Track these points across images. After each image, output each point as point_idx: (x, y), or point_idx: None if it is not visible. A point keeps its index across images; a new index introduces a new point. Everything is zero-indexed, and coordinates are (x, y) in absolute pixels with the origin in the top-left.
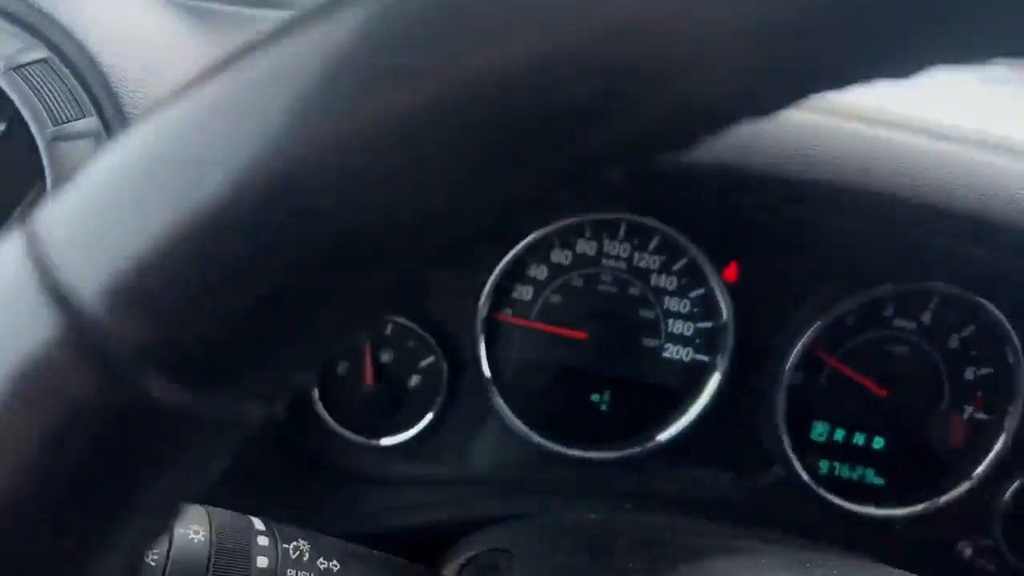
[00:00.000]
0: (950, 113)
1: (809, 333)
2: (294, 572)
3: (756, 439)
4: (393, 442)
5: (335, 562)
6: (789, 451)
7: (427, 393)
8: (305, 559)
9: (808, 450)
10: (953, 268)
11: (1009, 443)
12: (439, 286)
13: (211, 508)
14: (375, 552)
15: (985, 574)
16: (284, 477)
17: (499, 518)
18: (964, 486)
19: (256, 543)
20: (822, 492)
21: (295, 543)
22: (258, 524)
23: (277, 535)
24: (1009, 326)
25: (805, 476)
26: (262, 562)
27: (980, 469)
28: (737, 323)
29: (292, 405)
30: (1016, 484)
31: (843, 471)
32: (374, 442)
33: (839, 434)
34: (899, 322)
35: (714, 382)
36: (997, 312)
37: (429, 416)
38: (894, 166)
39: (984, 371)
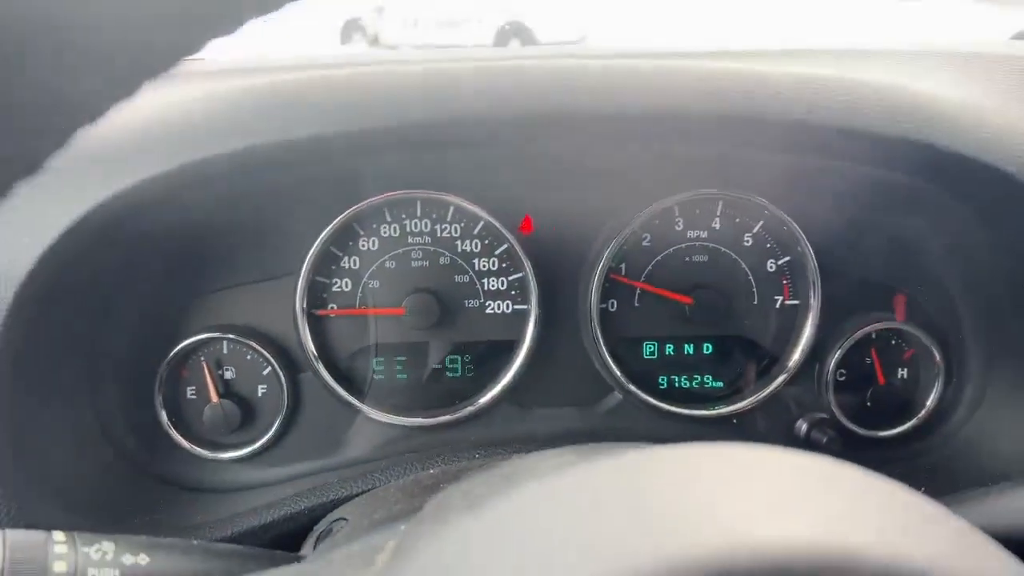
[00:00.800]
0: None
1: (604, 259)
2: (96, 571)
3: (590, 369)
4: (246, 452)
5: (143, 556)
6: (620, 375)
7: (275, 400)
8: (108, 558)
9: (645, 368)
10: (731, 174)
11: (818, 320)
12: (257, 297)
13: (6, 530)
14: (225, 545)
15: (821, 445)
16: (144, 501)
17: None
18: (790, 369)
19: (52, 551)
20: (658, 403)
21: (96, 545)
22: (57, 536)
23: (76, 540)
24: (790, 218)
25: (641, 394)
26: (59, 567)
27: (800, 349)
28: (540, 269)
29: (148, 434)
30: (835, 356)
31: (681, 382)
32: (230, 455)
33: (669, 348)
34: (692, 233)
35: (532, 326)
36: (778, 209)
37: (278, 420)
38: (662, 88)
39: (782, 260)
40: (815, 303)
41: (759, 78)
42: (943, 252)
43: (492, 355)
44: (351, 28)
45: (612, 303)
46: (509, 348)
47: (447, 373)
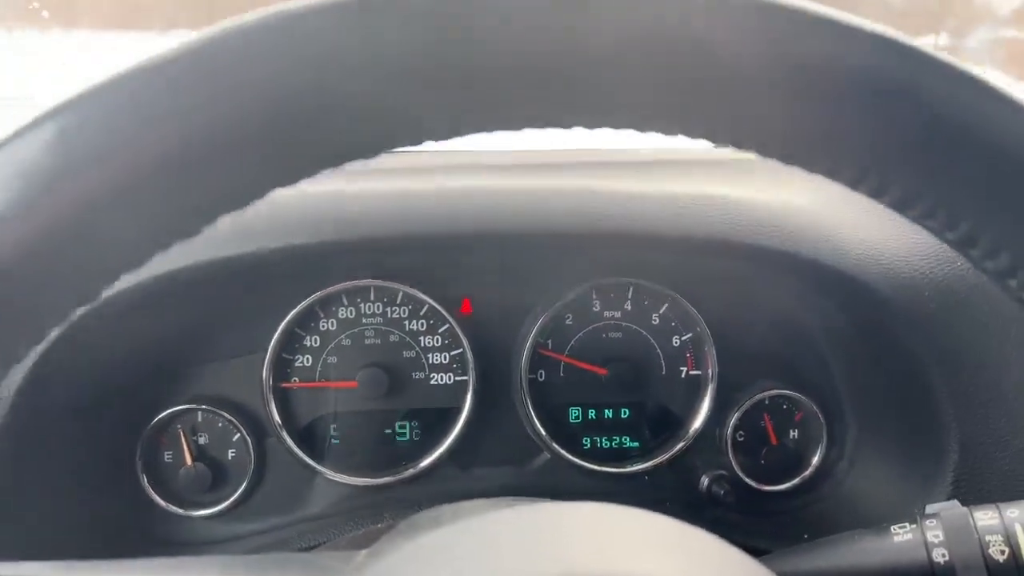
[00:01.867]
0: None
1: (532, 336)
2: None
3: (522, 433)
4: (216, 510)
5: None
6: (548, 438)
7: (243, 462)
8: None
9: (571, 431)
10: (641, 265)
11: (716, 389)
12: (229, 373)
13: None
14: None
15: (722, 500)
16: (121, 555)
17: (314, 547)
18: (693, 430)
19: None
20: (585, 463)
21: None
22: None
23: None
24: (688, 303)
25: (566, 454)
26: None
27: (702, 414)
28: (478, 345)
29: (128, 493)
30: (733, 419)
31: (602, 443)
32: (202, 512)
33: (592, 414)
34: (607, 313)
35: (470, 395)
36: (678, 295)
37: (245, 481)
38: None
39: (685, 337)
40: (713, 373)
41: (643, 198)
42: (820, 333)
43: (437, 421)
44: None
45: (541, 373)
46: (451, 415)
47: (397, 437)
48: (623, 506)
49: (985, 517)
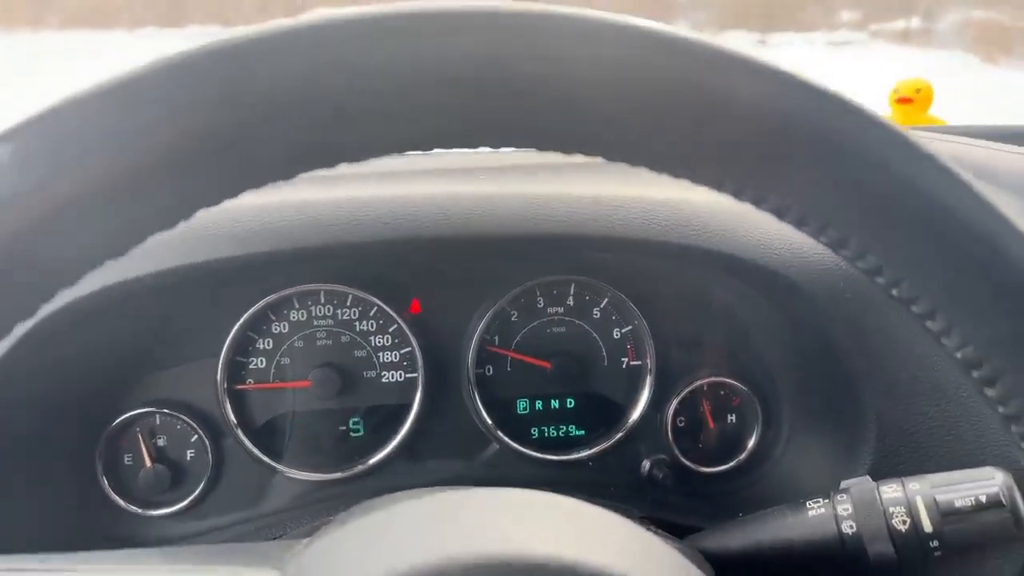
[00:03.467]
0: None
1: (479, 333)
2: None
3: (472, 426)
4: (176, 509)
5: None
6: (495, 429)
7: (201, 462)
8: None
9: (519, 423)
10: (582, 262)
11: (655, 379)
12: (185, 376)
13: None
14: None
15: (662, 482)
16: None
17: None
18: (634, 417)
19: None
20: (531, 452)
21: None
22: None
23: None
24: (626, 298)
25: (513, 444)
26: None
27: (642, 401)
28: (427, 343)
29: (88, 494)
30: (672, 406)
31: (549, 432)
32: (161, 511)
33: (539, 405)
34: (551, 309)
35: (420, 392)
36: (617, 291)
37: (203, 480)
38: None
39: (626, 329)
40: (652, 364)
41: (578, 201)
42: (752, 324)
43: (388, 417)
44: None
45: (488, 368)
46: (402, 411)
47: (351, 434)
48: (537, 491)
49: (890, 491)
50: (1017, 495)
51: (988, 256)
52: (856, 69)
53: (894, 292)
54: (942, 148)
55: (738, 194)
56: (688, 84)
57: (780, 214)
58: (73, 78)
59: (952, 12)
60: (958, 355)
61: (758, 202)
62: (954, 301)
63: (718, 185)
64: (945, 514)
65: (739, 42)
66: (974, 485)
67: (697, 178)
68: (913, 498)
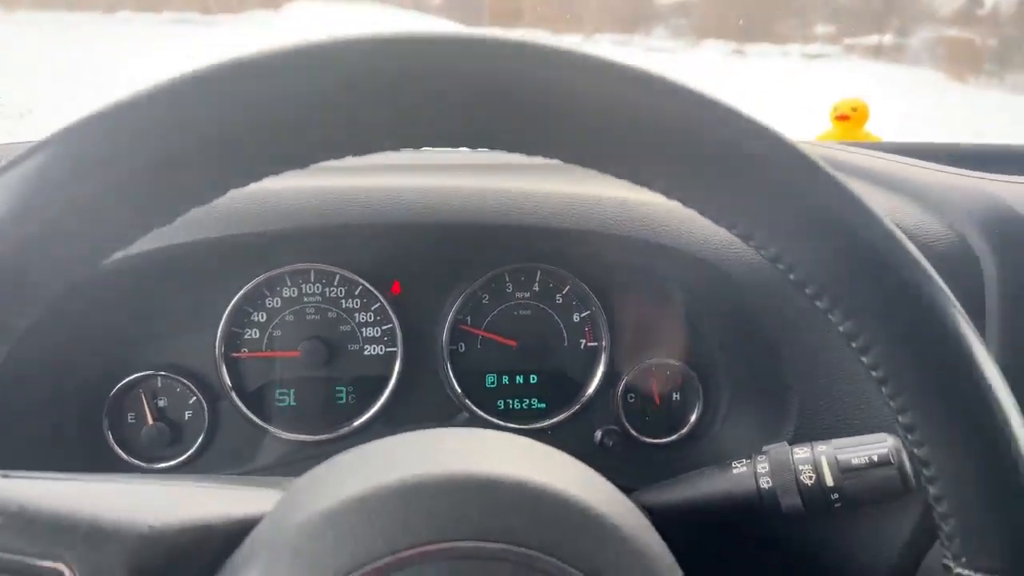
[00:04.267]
0: None
1: (452, 313)
2: None
3: (444, 396)
4: (174, 463)
5: None
6: (465, 399)
7: (199, 422)
8: None
9: (487, 395)
10: (546, 251)
11: (609, 358)
12: (186, 343)
13: None
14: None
15: (612, 450)
16: None
17: None
18: (589, 392)
19: None
20: (497, 421)
21: None
22: None
23: None
24: (586, 286)
25: (481, 413)
26: None
27: (596, 378)
28: (406, 320)
29: (94, 449)
30: (623, 382)
31: (514, 404)
32: (161, 465)
33: (505, 379)
34: (519, 293)
35: (399, 364)
36: (577, 279)
37: (200, 438)
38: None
39: (584, 313)
40: (606, 345)
41: (545, 197)
42: (695, 310)
43: (370, 386)
44: None
45: (460, 345)
46: (382, 381)
47: (335, 400)
48: (494, 431)
49: (800, 452)
50: (904, 456)
51: (847, 237)
52: (829, 81)
53: (791, 277)
54: (854, 159)
55: (666, 194)
56: (610, 100)
57: (698, 211)
58: (47, 61)
59: (925, 29)
60: (841, 329)
61: (682, 201)
62: (830, 281)
63: (643, 183)
64: (844, 471)
65: (718, 51)
66: (869, 447)
67: (631, 178)
68: (819, 458)
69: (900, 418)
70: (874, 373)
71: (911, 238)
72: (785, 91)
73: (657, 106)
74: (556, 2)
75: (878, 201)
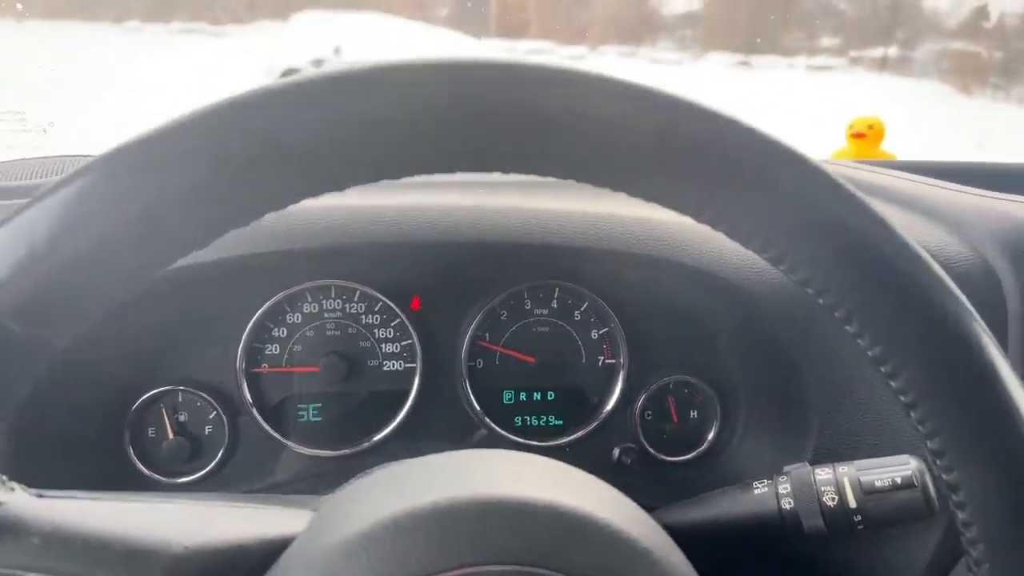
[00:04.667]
0: None
1: (472, 329)
2: None
3: (463, 412)
4: (194, 478)
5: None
6: (483, 416)
7: (219, 437)
8: None
9: (505, 411)
10: (565, 269)
11: (627, 376)
12: (206, 359)
13: None
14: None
15: (630, 468)
16: None
17: None
18: (607, 409)
19: None
20: (514, 437)
21: None
22: None
23: None
24: (604, 303)
25: (499, 430)
26: None
27: (614, 396)
28: (425, 336)
29: (116, 462)
30: (641, 400)
31: (531, 421)
32: (182, 480)
33: (523, 396)
34: (537, 310)
35: (417, 380)
36: (596, 296)
37: (220, 453)
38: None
39: (603, 330)
40: (624, 362)
41: (565, 216)
42: (713, 328)
43: (388, 402)
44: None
45: (479, 362)
46: (401, 397)
47: (355, 416)
48: (521, 452)
49: (822, 473)
50: (928, 478)
51: (878, 262)
52: (834, 94)
53: (820, 301)
54: (873, 178)
55: (697, 217)
56: (629, 120)
57: (727, 234)
58: (63, 72)
59: (930, 42)
60: (870, 354)
61: (713, 224)
62: (859, 305)
63: (661, 202)
64: (867, 492)
65: (723, 63)
66: (892, 469)
67: (646, 197)
68: (841, 479)
69: (929, 443)
70: (903, 398)
71: (934, 258)
72: (792, 103)
73: (696, 132)
74: (562, 14)
75: (898, 221)
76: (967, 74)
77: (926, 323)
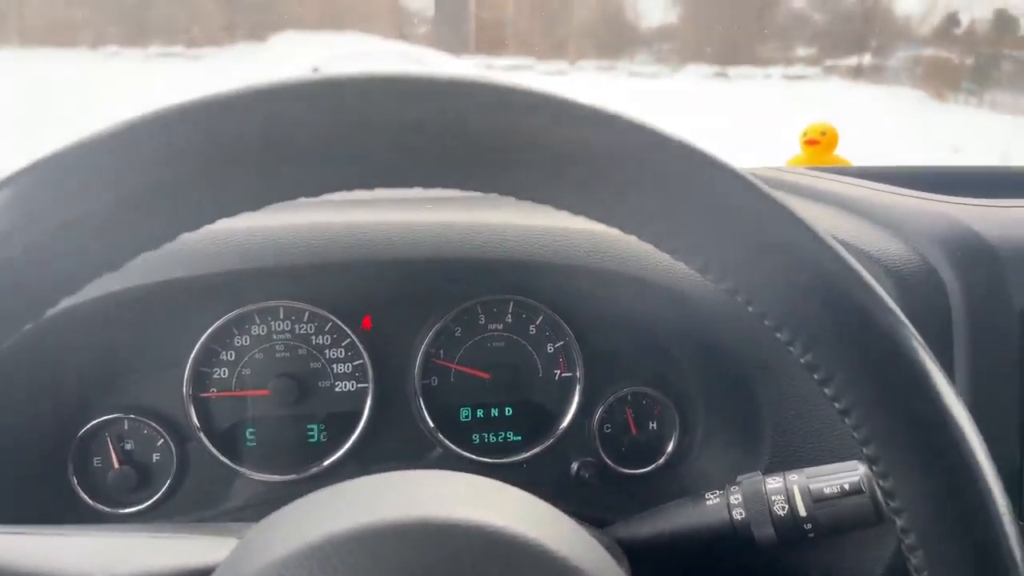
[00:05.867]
0: None
1: (424, 346)
2: None
3: (417, 431)
4: (142, 508)
5: None
6: (439, 434)
7: (166, 465)
8: None
9: (461, 429)
10: (519, 283)
11: (584, 388)
12: (152, 384)
13: None
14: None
15: (589, 482)
16: None
17: None
18: (564, 423)
19: None
20: (472, 455)
21: None
22: None
23: None
24: (558, 316)
25: (456, 448)
26: None
27: (572, 409)
28: (377, 356)
29: (59, 494)
30: (598, 413)
31: (489, 437)
32: (128, 510)
33: (480, 412)
34: (491, 325)
35: (370, 401)
36: (550, 310)
37: (168, 481)
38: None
39: (558, 344)
40: (581, 375)
41: (514, 229)
42: (670, 340)
43: (341, 423)
44: None
45: (434, 379)
46: (354, 417)
47: (306, 439)
48: (456, 472)
49: (773, 482)
50: (875, 484)
51: (803, 270)
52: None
53: (750, 309)
54: (823, 184)
55: (622, 228)
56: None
57: (655, 245)
58: (36, 95)
59: (903, 49)
60: (802, 361)
61: (637, 234)
62: (788, 314)
63: (582, 212)
64: (816, 500)
65: (701, 74)
66: (841, 476)
67: (574, 210)
68: (791, 487)
69: (864, 449)
70: (836, 405)
71: (877, 262)
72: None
73: (620, 145)
74: (540, 29)
75: (845, 226)
76: (940, 80)
77: (854, 330)
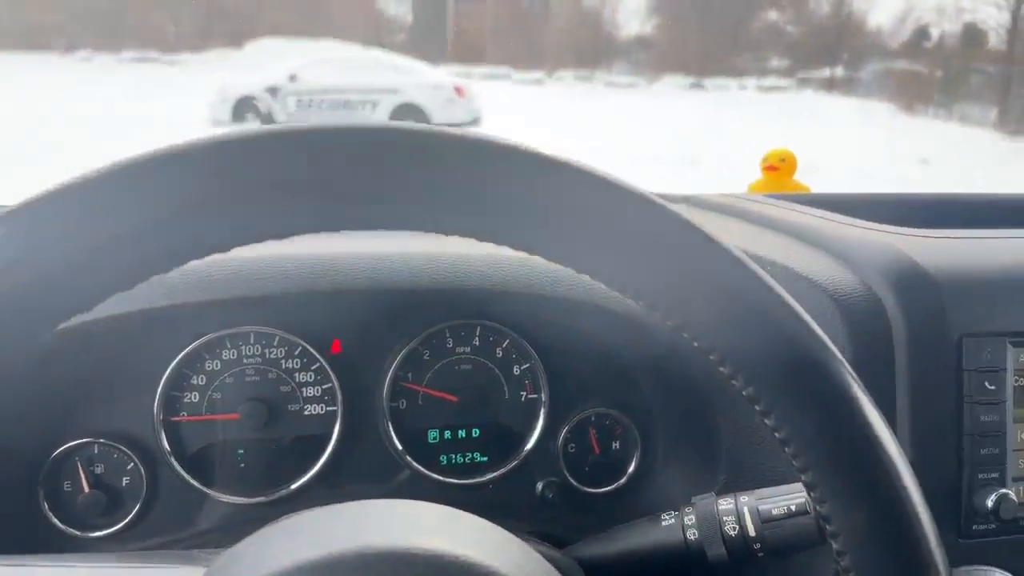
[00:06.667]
0: None
1: (393, 370)
2: None
3: (386, 454)
4: (112, 531)
5: None
6: (407, 457)
7: (137, 489)
8: None
9: (429, 451)
10: (485, 307)
11: (549, 410)
12: (123, 409)
13: None
14: None
15: (552, 501)
16: None
17: None
18: (530, 444)
19: None
20: (439, 477)
21: None
22: None
23: None
24: (524, 340)
25: (423, 470)
26: None
27: (537, 430)
28: (346, 379)
29: (29, 518)
30: (563, 434)
31: (456, 459)
32: (98, 534)
33: (448, 434)
34: (459, 348)
35: (339, 424)
36: (515, 334)
37: (138, 505)
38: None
39: (524, 366)
40: (546, 397)
41: (471, 260)
42: (632, 364)
43: (310, 446)
44: (244, 106)
45: (402, 402)
46: (323, 440)
47: (276, 462)
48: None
49: (724, 504)
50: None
51: (741, 306)
52: (782, 113)
53: (695, 344)
54: (778, 213)
55: (577, 268)
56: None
57: (607, 285)
58: (6, 98)
59: (874, 62)
60: (744, 394)
61: (592, 276)
62: (730, 350)
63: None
64: (765, 521)
65: (677, 84)
66: (788, 497)
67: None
68: (741, 508)
69: (802, 476)
70: (776, 435)
71: (825, 291)
72: (744, 125)
73: (566, 189)
74: (517, 39)
75: (797, 256)
76: (911, 93)
77: (788, 364)
